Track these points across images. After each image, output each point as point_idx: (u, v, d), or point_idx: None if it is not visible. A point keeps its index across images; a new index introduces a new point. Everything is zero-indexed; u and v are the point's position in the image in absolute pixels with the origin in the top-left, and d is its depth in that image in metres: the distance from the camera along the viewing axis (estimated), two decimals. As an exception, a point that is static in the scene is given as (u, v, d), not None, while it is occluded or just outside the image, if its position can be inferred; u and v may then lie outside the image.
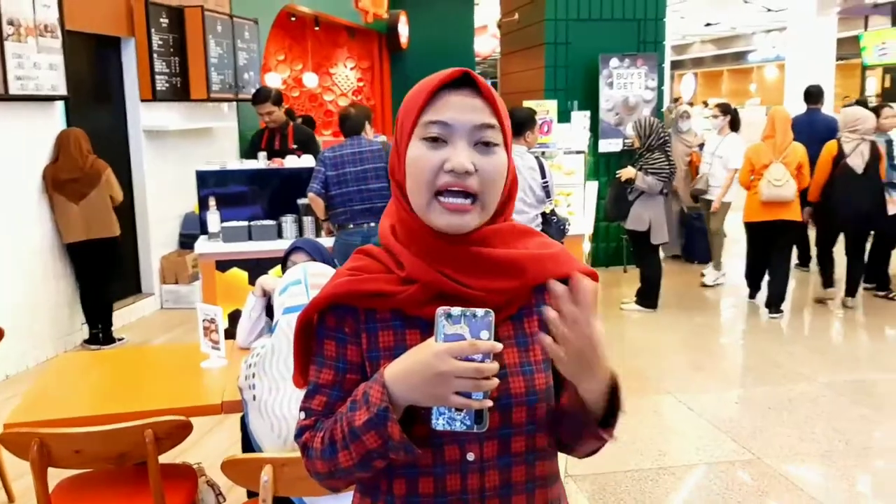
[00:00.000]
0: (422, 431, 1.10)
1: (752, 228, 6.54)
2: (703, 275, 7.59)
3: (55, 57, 5.60)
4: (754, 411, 4.64)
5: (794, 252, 7.23)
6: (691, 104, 19.60)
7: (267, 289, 2.93)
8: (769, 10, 18.93)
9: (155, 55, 6.78)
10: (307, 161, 5.69)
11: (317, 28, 12.44)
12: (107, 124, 6.61)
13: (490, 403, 1.06)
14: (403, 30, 13.53)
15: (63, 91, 5.70)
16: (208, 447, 3.84)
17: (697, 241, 8.19)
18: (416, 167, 1.14)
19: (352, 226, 4.91)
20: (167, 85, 7.00)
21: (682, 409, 4.61)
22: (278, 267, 5.11)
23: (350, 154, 4.89)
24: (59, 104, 5.88)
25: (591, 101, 7.78)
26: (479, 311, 1.05)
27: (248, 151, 6.61)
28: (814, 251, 7.32)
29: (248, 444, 3.05)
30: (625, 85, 7.88)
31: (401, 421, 1.09)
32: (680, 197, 7.94)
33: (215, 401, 2.70)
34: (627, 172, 6.27)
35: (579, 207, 6.57)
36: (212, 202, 5.22)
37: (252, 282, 5.17)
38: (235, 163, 5.73)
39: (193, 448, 3.60)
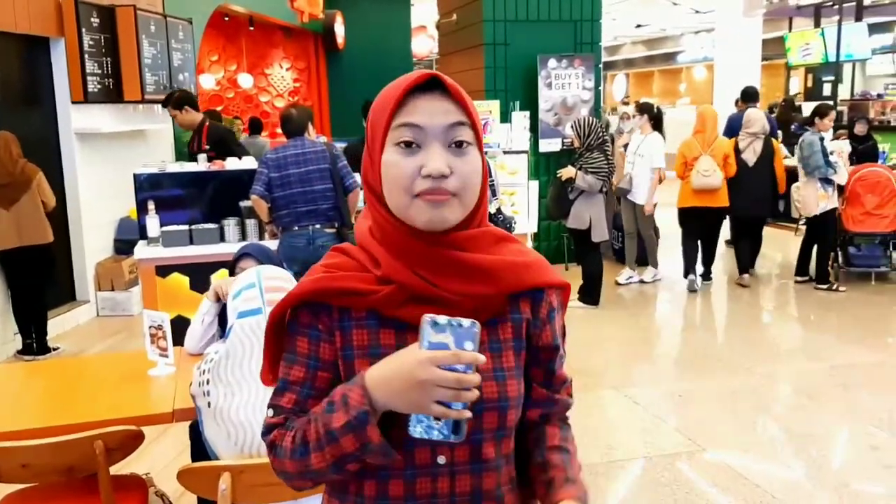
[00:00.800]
0: (396, 435, 1.10)
1: (684, 213, 7.23)
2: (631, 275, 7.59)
3: (-19, 58, 5.41)
4: (698, 403, 4.75)
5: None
6: (626, 103, 20.00)
7: (221, 292, 2.88)
8: (697, 11, 19.42)
9: (86, 55, 6.58)
10: (249, 163, 5.60)
11: (251, 28, 12.28)
12: (37, 127, 6.40)
13: (469, 414, 1.06)
14: (340, 30, 13.45)
15: (-9, 93, 5.50)
16: (153, 456, 3.76)
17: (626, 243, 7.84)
18: (391, 173, 1.14)
19: (296, 228, 4.85)
20: (99, 86, 6.81)
21: (627, 403, 4.70)
22: (221, 270, 5.05)
23: (293, 155, 4.83)
24: (-13, 107, 5.68)
25: (530, 102, 7.86)
26: (466, 322, 1.04)
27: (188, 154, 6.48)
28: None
29: (198, 452, 2.99)
30: (563, 85, 7.97)
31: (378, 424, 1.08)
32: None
33: (166, 409, 2.63)
34: (568, 172, 6.36)
35: (523, 206, 6.63)
36: (150, 206, 5.10)
37: (193, 286, 5.09)
38: (174, 165, 5.60)
39: (138, 458, 3.52)
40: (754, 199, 7.09)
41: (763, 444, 4.16)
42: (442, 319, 1.04)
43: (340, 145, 5.40)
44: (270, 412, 1.20)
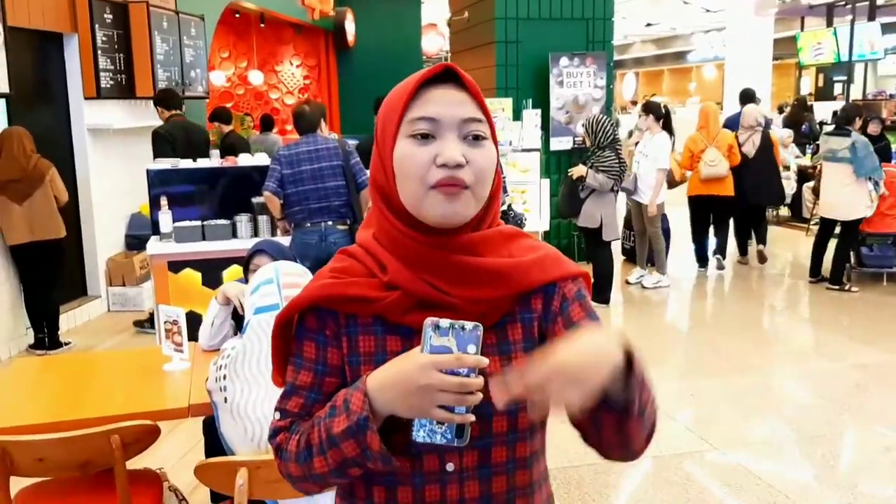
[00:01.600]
0: (401, 440, 1.08)
1: (693, 201, 7.77)
2: (638, 279, 7.47)
3: (-4, 53, 5.42)
4: (709, 402, 4.74)
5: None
6: (634, 103, 19.95)
7: (230, 296, 2.88)
8: (708, 10, 19.36)
9: (99, 52, 6.61)
10: (261, 159, 5.61)
11: (262, 25, 12.29)
12: (49, 123, 6.42)
13: (472, 418, 1.04)
14: (350, 27, 13.45)
15: (5, 89, 5.51)
16: (165, 451, 3.76)
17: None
18: (405, 164, 1.12)
19: (308, 224, 4.85)
20: (112, 82, 6.83)
21: (639, 403, 4.68)
22: (233, 266, 5.06)
23: (306, 152, 4.83)
24: (1, 102, 5.69)
25: (541, 100, 7.84)
26: (468, 325, 1.03)
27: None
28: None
29: (212, 447, 3.00)
30: (574, 83, 7.95)
31: (380, 429, 1.07)
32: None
33: (181, 404, 2.64)
34: (579, 170, 6.34)
35: (535, 204, 6.62)
36: (163, 202, 5.11)
37: (205, 282, 5.10)
38: (187, 161, 5.61)
39: (150, 453, 3.54)
40: (757, 188, 7.67)
41: (775, 443, 4.15)
42: (444, 323, 1.03)
43: (352, 142, 5.38)
44: (277, 415, 1.20)
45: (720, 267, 7.94)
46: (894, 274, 7.40)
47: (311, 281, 1.20)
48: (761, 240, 8.23)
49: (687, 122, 12.36)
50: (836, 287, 7.10)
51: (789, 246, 9.31)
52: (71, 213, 6.31)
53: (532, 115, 7.21)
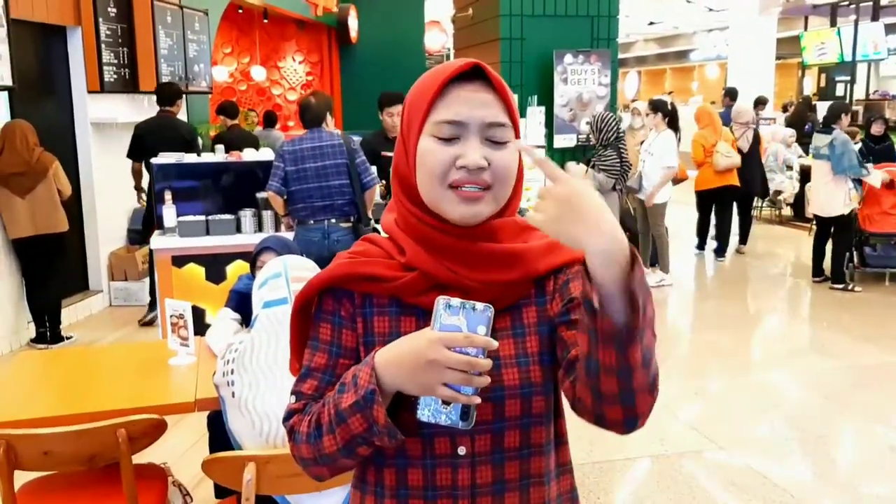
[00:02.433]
0: (411, 419, 1.08)
1: (702, 195, 8.30)
2: None
3: (-1, 46, 5.40)
4: (713, 401, 4.73)
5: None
6: (634, 101, 19.93)
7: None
8: (711, 9, 19.32)
9: (103, 45, 6.58)
10: (266, 154, 5.59)
11: (265, 20, 12.26)
12: (53, 116, 6.40)
13: (478, 400, 1.03)
14: (353, 24, 13.42)
15: (8, 82, 5.49)
16: (168, 446, 3.74)
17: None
18: (427, 161, 1.13)
19: (312, 222, 4.77)
20: (115, 76, 6.81)
21: (643, 401, 4.67)
22: (238, 262, 5.04)
23: (310, 149, 4.74)
24: (3, 95, 5.67)
25: (545, 97, 7.81)
26: (479, 305, 1.03)
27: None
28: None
29: (216, 441, 2.99)
30: (579, 81, 7.92)
31: (389, 408, 1.07)
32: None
33: (188, 398, 2.63)
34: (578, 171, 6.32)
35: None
36: (167, 196, 5.09)
37: (209, 277, 5.10)
38: (192, 155, 5.59)
39: (153, 447, 3.53)
40: (749, 179, 8.36)
41: (778, 442, 4.14)
42: (455, 302, 1.03)
43: (356, 138, 5.34)
44: (293, 398, 1.20)
45: (722, 254, 8.37)
46: (897, 274, 7.39)
47: (331, 263, 1.21)
48: (743, 239, 8.90)
49: (688, 121, 12.38)
50: (840, 287, 7.09)
51: (792, 245, 9.30)
52: (73, 207, 6.28)
53: (536, 113, 7.19)
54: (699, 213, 8.54)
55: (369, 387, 1.05)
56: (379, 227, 4.82)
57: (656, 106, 7.34)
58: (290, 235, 4.82)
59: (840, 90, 13.84)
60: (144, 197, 6.65)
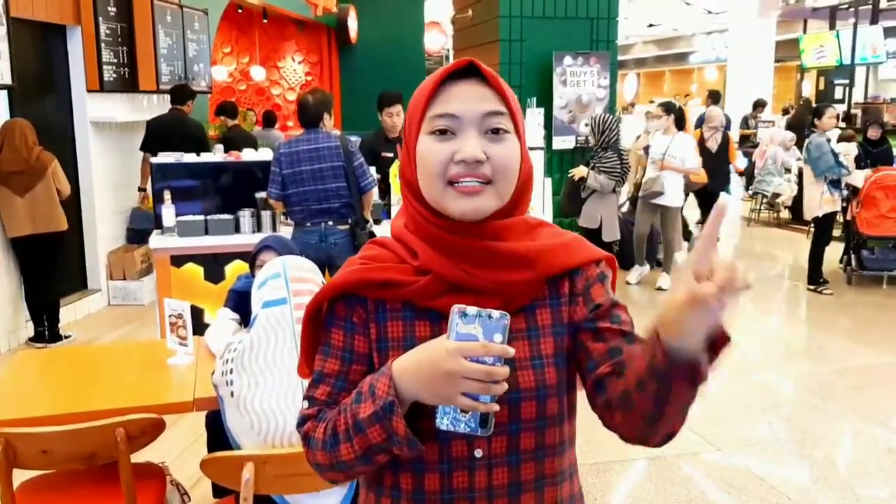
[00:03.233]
0: (428, 426, 1.08)
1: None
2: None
3: (-1, 45, 5.40)
4: (711, 403, 4.73)
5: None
6: (633, 104, 19.96)
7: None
8: (710, 12, 19.36)
9: (102, 44, 6.58)
10: (265, 154, 5.59)
11: (265, 20, 12.27)
12: (52, 115, 6.40)
13: (496, 408, 1.03)
14: (353, 24, 13.41)
15: (7, 80, 5.49)
16: (166, 445, 3.74)
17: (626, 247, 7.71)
18: (426, 160, 1.13)
19: (309, 224, 4.73)
20: (115, 75, 6.81)
21: (640, 403, 4.68)
22: (236, 262, 5.05)
23: (306, 151, 4.66)
24: (3, 94, 5.67)
25: (544, 99, 7.83)
26: (495, 313, 1.02)
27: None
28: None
29: (214, 441, 2.99)
30: (578, 83, 7.94)
31: (407, 415, 1.07)
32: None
33: (186, 398, 2.63)
34: (580, 171, 6.33)
35: (537, 203, 6.61)
36: (167, 195, 5.09)
37: (208, 277, 5.10)
38: (191, 155, 5.59)
39: (151, 447, 3.54)
40: (716, 178, 8.26)
41: (776, 444, 4.14)
42: (471, 310, 1.02)
43: (354, 139, 5.32)
44: (305, 404, 1.20)
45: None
46: (895, 277, 7.40)
47: (342, 268, 1.21)
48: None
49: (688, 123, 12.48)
50: (812, 287, 7.12)
51: (790, 248, 9.31)
52: (72, 206, 6.29)
53: (535, 114, 7.20)
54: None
55: (388, 398, 1.05)
56: (375, 229, 4.82)
57: (668, 108, 7.26)
58: (289, 232, 4.83)
59: (839, 93, 13.87)
60: (145, 198, 6.73)
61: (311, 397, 1.20)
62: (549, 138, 7.74)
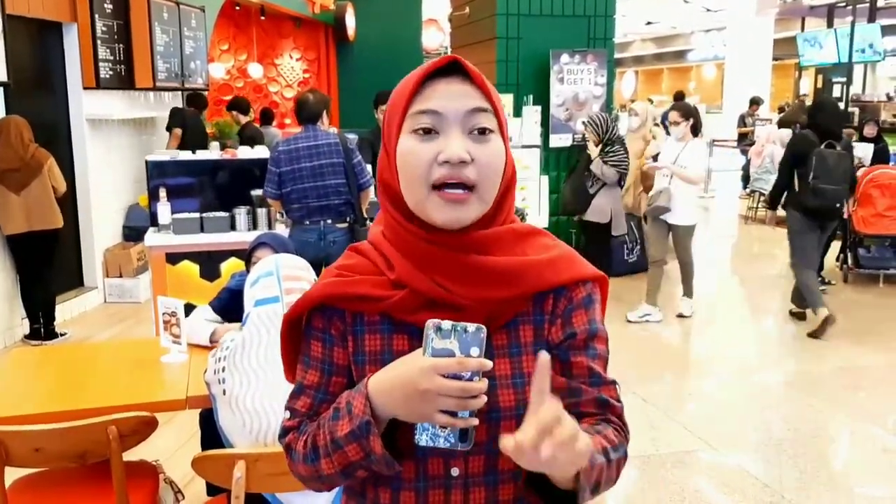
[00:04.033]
0: (407, 442, 1.06)
1: None
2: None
3: (-6, 42, 5.39)
4: (706, 402, 4.74)
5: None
6: (632, 101, 19.95)
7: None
8: (708, 10, 19.35)
9: (98, 41, 6.58)
10: (261, 152, 5.59)
11: (262, 17, 12.25)
12: (48, 112, 6.39)
13: (476, 422, 1.01)
14: (350, 21, 13.41)
15: (3, 78, 5.48)
16: (160, 443, 3.74)
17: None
18: (408, 162, 1.08)
19: (307, 222, 4.70)
20: (111, 72, 6.80)
21: (636, 401, 4.67)
22: (232, 259, 5.05)
23: (305, 148, 4.66)
24: (-1, 91, 5.67)
25: (541, 96, 7.81)
26: (471, 327, 0.99)
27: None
28: None
29: (208, 439, 2.99)
30: (575, 81, 7.93)
31: (385, 430, 1.06)
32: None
33: (179, 396, 2.63)
34: (593, 150, 6.31)
35: (534, 200, 6.61)
36: (162, 193, 5.08)
37: (203, 274, 5.09)
38: (187, 153, 5.59)
39: (145, 444, 3.54)
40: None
41: (771, 444, 4.15)
42: (446, 325, 0.99)
43: (352, 137, 5.31)
44: (287, 414, 1.19)
45: None
46: (891, 276, 7.41)
47: (319, 279, 1.19)
48: None
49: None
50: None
51: (787, 246, 9.29)
52: (68, 203, 6.28)
53: (532, 112, 7.19)
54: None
55: (364, 417, 1.04)
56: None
57: (688, 113, 6.08)
58: (285, 231, 4.82)
59: (836, 91, 13.87)
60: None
61: (292, 408, 1.19)
62: (545, 136, 7.72)
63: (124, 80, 7.03)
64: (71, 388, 2.83)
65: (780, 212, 6.83)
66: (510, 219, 1.16)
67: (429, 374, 0.98)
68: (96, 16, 6.54)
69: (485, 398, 1.00)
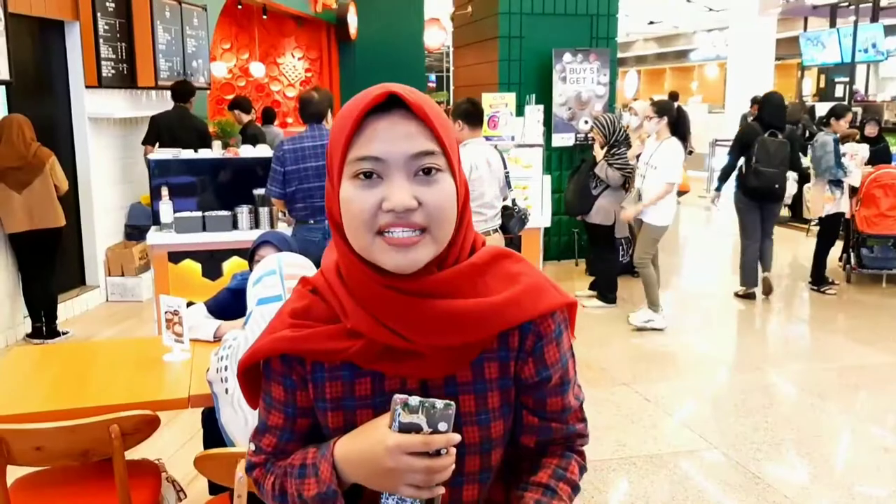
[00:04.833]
0: (374, 496, 1.08)
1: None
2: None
3: (-3, 40, 5.39)
4: (709, 401, 4.73)
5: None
6: (634, 100, 19.93)
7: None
8: (711, 9, 19.32)
9: (101, 40, 6.57)
10: (263, 151, 5.59)
11: (264, 16, 12.26)
12: (50, 111, 6.39)
13: (442, 491, 1.02)
14: (352, 21, 13.41)
15: (5, 76, 5.48)
16: (162, 442, 3.74)
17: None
18: (350, 210, 1.01)
19: (312, 222, 4.69)
20: (113, 71, 6.80)
21: (638, 400, 4.67)
22: (234, 258, 5.04)
23: (311, 147, 4.63)
24: (1, 90, 5.66)
25: (544, 96, 7.82)
26: (439, 403, 0.98)
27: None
28: None
29: (210, 438, 2.99)
30: (577, 80, 7.93)
31: (352, 487, 1.08)
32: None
33: (181, 395, 2.62)
34: (599, 153, 6.28)
35: (536, 200, 6.60)
36: (164, 192, 5.08)
37: (205, 273, 5.09)
38: (188, 151, 5.59)
39: (148, 443, 3.53)
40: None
41: (773, 443, 4.14)
42: (413, 401, 0.98)
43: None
44: (252, 447, 1.19)
45: None
46: (894, 276, 7.40)
47: (273, 321, 1.14)
48: None
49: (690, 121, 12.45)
50: (816, 288, 7.12)
51: (789, 246, 9.30)
52: (70, 202, 6.29)
53: (534, 111, 7.19)
54: None
55: (331, 486, 1.06)
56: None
57: (662, 109, 5.97)
58: (288, 230, 4.81)
59: (839, 91, 13.84)
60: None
61: (257, 445, 1.19)
62: (548, 135, 7.73)
63: (126, 79, 7.02)
64: (73, 386, 2.83)
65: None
66: (466, 247, 1.09)
67: (395, 454, 0.99)
68: (98, 14, 6.54)
69: (452, 468, 1.01)
